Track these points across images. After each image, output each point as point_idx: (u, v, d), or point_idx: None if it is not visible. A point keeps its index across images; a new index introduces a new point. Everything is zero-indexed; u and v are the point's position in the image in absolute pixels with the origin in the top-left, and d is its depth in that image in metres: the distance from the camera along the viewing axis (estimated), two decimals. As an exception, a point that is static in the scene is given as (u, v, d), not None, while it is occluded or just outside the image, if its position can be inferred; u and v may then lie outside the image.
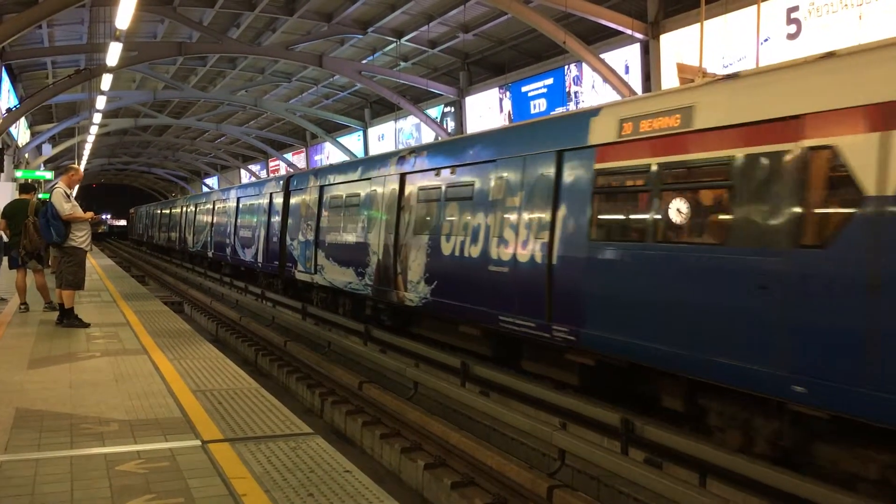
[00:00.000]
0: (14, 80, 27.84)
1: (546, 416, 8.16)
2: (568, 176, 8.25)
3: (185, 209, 34.70)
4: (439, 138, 26.81)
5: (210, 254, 27.89)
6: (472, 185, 10.07)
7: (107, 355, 8.37)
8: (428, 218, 11.25)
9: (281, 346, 13.35)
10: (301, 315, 16.49)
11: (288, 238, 17.76)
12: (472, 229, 9.83)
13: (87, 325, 10.43)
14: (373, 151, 33.18)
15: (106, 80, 21.49)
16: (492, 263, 9.21)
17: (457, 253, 10.12)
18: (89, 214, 10.65)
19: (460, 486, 6.78)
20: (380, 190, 12.91)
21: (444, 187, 10.86)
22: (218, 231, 26.44)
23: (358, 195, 13.93)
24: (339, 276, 14.34)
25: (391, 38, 24.44)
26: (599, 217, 7.82)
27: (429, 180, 11.40)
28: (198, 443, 5.17)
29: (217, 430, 5.46)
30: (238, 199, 23.53)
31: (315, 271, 15.66)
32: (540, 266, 8.31)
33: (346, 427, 9.26)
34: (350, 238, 13.91)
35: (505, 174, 9.33)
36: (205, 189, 61.39)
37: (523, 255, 8.63)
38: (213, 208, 27.64)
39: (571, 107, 21.38)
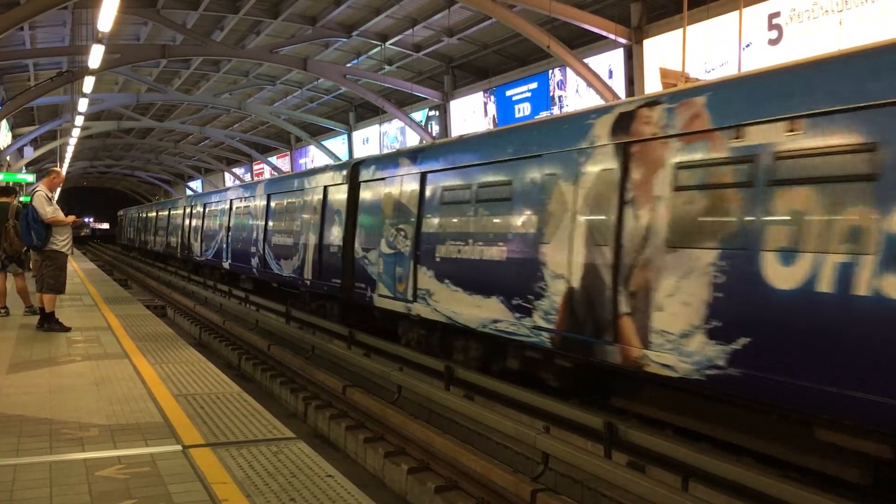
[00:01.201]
0: (-5, 83, 27.65)
1: (530, 420, 8.16)
2: None
3: (189, 210, 28.60)
4: (423, 141, 26.83)
5: (226, 265, 22.19)
6: (876, 148, 5.05)
7: (87, 360, 8.31)
8: (711, 217, 6.21)
9: (264, 350, 13.29)
10: (285, 319, 16.42)
11: (358, 248, 12.71)
12: (885, 237, 4.94)
13: (67, 330, 10.34)
14: (357, 155, 33.09)
15: (88, 83, 21.36)
16: None
17: (825, 286, 5.25)
18: (71, 218, 10.58)
19: (444, 490, 6.77)
20: (570, 172, 7.78)
21: (764, 158, 5.78)
22: (238, 237, 20.92)
23: (507, 184, 8.85)
24: (466, 308, 9.36)
25: (376, 42, 24.46)
26: None
27: (711, 149, 6.29)
28: (179, 448, 5.14)
29: (198, 435, 5.43)
30: (269, 197, 18.37)
31: (413, 298, 10.63)
32: None
33: (329, 431, 9.23)
34: (494, 250, 8.93)
35: None
36: (188, 192, 61.03)
37: None
38: (231, 208, 21.94)
39: (556, 111, 21.47)
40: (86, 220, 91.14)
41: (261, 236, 18.44)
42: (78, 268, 24.46)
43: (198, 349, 9.95)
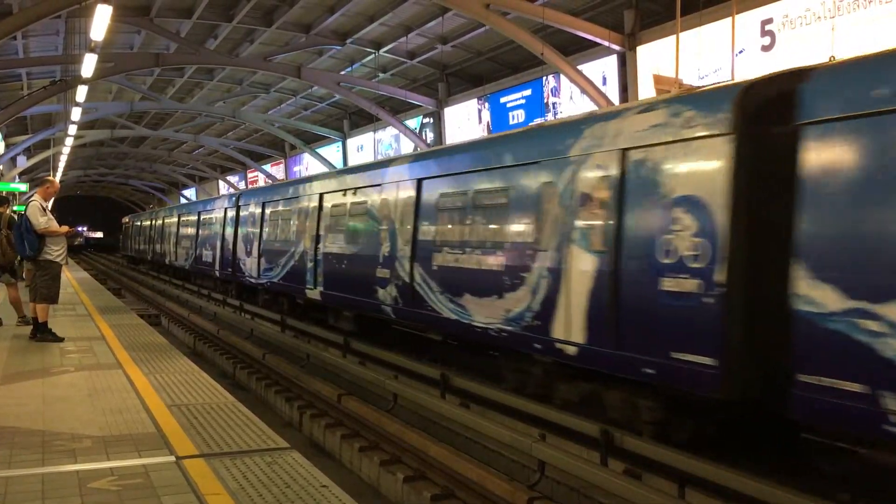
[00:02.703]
0: (-12, 92, 27.62)
1: (525, 428, 8.13)
2: None
3: (234, 213, 20.55)
4: (417, 149, 26.82)
5: (313, 293, 14.33)
6: None
7: (81, 370, 8.26)
8: None
9: (259, 359, 13.23)
10: (280, 327, 16.36)
11: (829, 289, 5.29)
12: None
13: (61, 340, 10.29)
14: (352, 162, 33.02)
15: (81, 92, 21.34)
16: None
17: None
18: (64, 228, 10.55)
19: (440, 499, 6.74)
20: None
21: None
22: (338, 252, 13.43)
23: None
24: None
25: (370, 50, 24.48)
26: None
27: None
28: (172, 459, 5.11)
29: (192, 446, 5.40)
30: (419, 184, 10.78)
31: None
32: None
33: (324, 440, 9.19)
34: None
35: None
36: (183, 200, 60.83)
37: None
38: (321, 207, 14.42)
39: (550, 118, 21.51)
40: (79, 228, 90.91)
41: (401, 251, 10.95)
42: (71, 277, 24.39)
43: (192, 359, 9.91)
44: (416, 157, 11.78)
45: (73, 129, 28.60)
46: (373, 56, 24.96)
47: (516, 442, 7.38)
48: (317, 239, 14.25)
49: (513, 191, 8.59)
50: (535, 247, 8.02)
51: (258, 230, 18.03)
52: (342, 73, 27.36)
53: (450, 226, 9.87)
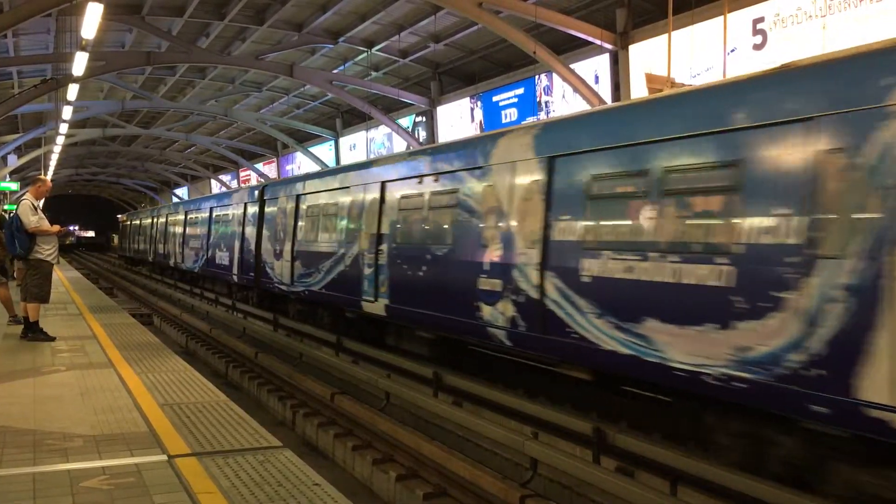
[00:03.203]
0: (-22, 91, 27.48)
1: (518, 426, 8.14)
2: None
3: (259, 208, 17.73)
4: (409, 147, 26.81)
5: (373, 305, 11.46)
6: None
7: (72, 369, 8.23)
8: None
9: (252, 358, 13.22)
10: (272, 326, 16.34)
11: None
12: None
13: (52, 339, 10.25)
14: (344, 161, 33.00)
15: (72, 90, 21.26)
16: None
17: None
18: (55, 227, 10.51)
19: (432, 497, 6.74)
20: None
21: None
22: (421, 259, 10.24)
23: None
24: None
25: (362, 48, 24.45)
26: None
27: None
28: (164, 458, 5.10)
29: (184, 445, 5.38)
30: (551, 162, 7.94)
31: None
32: None
33: (317, 439, 9.19)
34: None
35: None
36: (175, 199, 60.61)
37: None
38: (383, 199, 11.59)
39: (542, 116, 21.54)
40: (71, 228, 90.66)
41: (522, 256, 8.17)
42: (63, 276, 24.28)
43: (184, 358, 9.89)
44: (543, 129, 8.57)
45: (64, 128, 28.51)
46: (365, 55, 24.93)
47: (509, 440, 7.40)
48: (378, 238, 11.42)
49: (748, 168, 5.76)
50: (809, 251, 5.21)
51: (291, 228, 15.18)
52: (334, 71, 27.33)
53: (614, 220, 7.07)
